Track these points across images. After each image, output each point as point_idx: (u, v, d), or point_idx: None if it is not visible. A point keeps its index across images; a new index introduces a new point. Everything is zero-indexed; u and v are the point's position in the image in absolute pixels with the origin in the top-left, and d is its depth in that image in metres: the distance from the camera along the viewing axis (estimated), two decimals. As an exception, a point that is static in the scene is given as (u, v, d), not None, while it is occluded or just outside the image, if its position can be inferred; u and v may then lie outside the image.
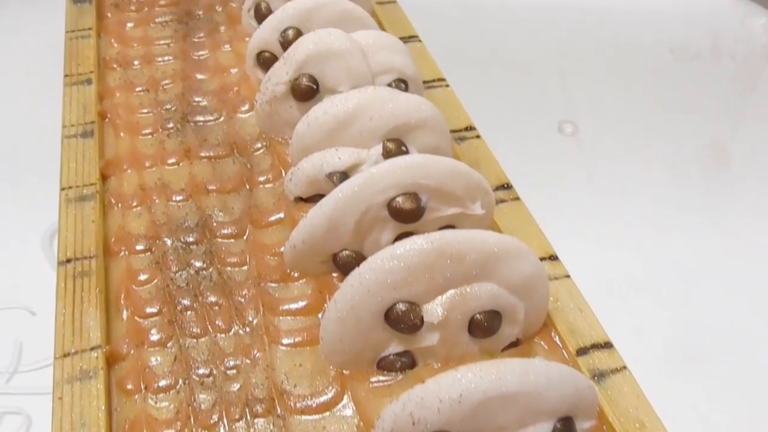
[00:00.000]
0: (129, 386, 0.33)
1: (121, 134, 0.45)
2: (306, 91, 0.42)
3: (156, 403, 0.32)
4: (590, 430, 0.30)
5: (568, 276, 0.37)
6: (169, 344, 0.34)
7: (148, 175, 0.43)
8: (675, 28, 0.78)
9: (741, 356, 0.48)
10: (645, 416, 0.32)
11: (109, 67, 0.51)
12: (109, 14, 0.55)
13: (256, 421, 0.32)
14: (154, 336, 0.35)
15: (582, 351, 0.34)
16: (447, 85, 0.50)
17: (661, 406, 0.32)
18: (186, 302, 0.36)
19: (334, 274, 0.37)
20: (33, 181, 0.56)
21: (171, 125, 0.46)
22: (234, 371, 0.33)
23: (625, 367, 0.34)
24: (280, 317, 0.35)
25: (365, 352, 0.33)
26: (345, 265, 0.36)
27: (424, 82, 0.48)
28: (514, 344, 0.34)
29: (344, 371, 0.33)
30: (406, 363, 0.33)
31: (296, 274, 0.37)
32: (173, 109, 0.47)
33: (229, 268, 0.38)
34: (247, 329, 0.35)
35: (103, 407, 0.31)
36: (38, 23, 0.73)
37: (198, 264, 0.38)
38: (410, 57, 0.45)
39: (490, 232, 0.33)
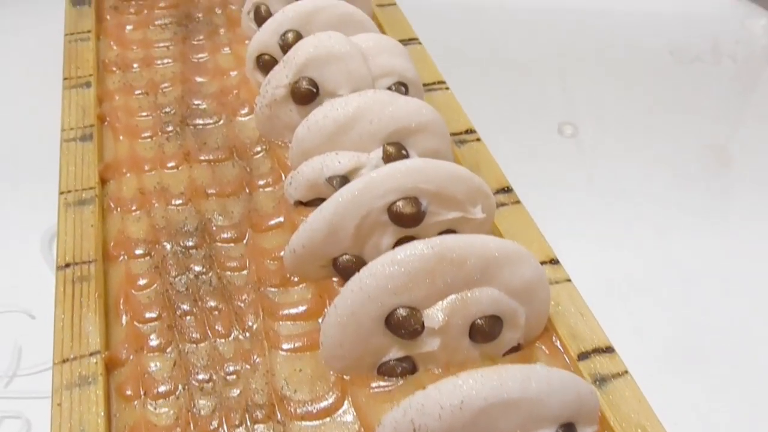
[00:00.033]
0: (128, 392, 0.33)
1: (121, 138, 0.45)
2: (306, 95, 0.42)
3: (155, 408, 0.32)
4: (592, 436, 0.30)
5: (569, 280, 0.37)
6: (168, 349, 0.34)
7: (147, 179, 0.43)
8: (675, 30, 0.78)
9: (741, 356, 0.48)
10: (647, 421, 0.32)
11: (109, 70, 0.51)
12: (108, 17, 0.55)
13: (256, 427, 0.31)
14: (154, 341, 0.34)
15: (583, 355, 0.34)
16: (447, 88, 0.50)
17: (661, 406, 0.32)
18: (185, 307, 0.36)
19: (335, 279, 0.37)
20: (32, 183, 0.56)
21: (170, 128, 0.46)
22: (234, 377, 0.33)
23: (626, 372, 0.33)
24: (280, 322, 0.35)
25: (366, 358, 0.32)
26: (345, 269, 0.36)
27: (425, 84, 0.48)
28: (515, 349, 0.34)
29: (345, 376, 0.33)
30: (407, 368, 0.32)
31: (296, 279, 0.37)
32: (172, 112, 0.47)
33: (228, 273, 0.38)
34: (247, 334, 0.35)
35: (103, 413, 0.31)
36: (38, 24, 0.73)
37: (197, 268, 0.38)
38: (410, 60, 0.45)
39: (491, 236, 0.33)
